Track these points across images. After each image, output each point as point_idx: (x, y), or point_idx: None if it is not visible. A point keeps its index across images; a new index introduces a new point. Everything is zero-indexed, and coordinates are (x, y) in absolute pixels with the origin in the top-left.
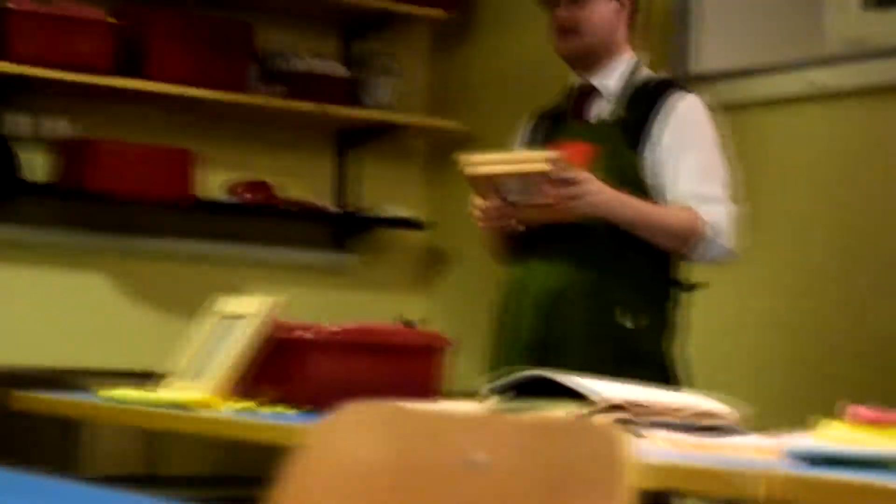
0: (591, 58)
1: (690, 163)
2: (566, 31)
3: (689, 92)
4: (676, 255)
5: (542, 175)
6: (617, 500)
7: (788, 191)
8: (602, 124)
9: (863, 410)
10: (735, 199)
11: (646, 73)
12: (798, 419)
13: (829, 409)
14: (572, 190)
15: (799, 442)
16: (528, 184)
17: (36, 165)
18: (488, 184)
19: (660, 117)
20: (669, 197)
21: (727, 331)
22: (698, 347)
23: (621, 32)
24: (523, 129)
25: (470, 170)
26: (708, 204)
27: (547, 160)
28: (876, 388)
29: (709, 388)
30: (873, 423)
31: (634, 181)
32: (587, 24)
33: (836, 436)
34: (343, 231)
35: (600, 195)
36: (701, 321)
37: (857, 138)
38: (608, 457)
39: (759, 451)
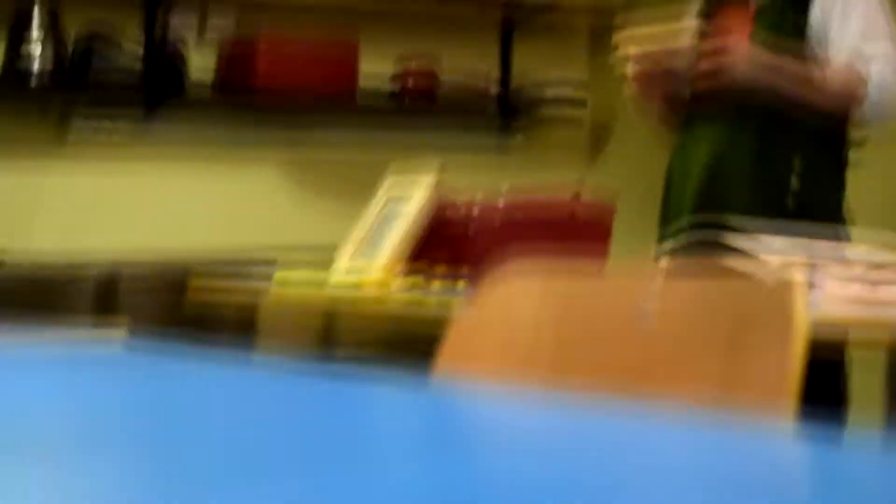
0: None
1: (855, 19)
2: None
3: None
4: (841, 115)
5: (691, 47)
6: (792, 353)
7: None
8: None
9: None
10: None
11: None
12: None
13: None
14: (723, 59)
15: None
16: (680, 55)
17: (203, 66)
18: (642, 56)
19: None
20: (833, 55)
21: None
22: (861, 203)
23: None
24: None
25: (624, 50)
26: (874, 62)
27: (692, 30)
28: None
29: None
30: None
31: (800, 43)
32: None
33: None
34: (507, 112)
35: (753, 62)
36: (862, 181)
37: None
38: (782, 309)
39: None
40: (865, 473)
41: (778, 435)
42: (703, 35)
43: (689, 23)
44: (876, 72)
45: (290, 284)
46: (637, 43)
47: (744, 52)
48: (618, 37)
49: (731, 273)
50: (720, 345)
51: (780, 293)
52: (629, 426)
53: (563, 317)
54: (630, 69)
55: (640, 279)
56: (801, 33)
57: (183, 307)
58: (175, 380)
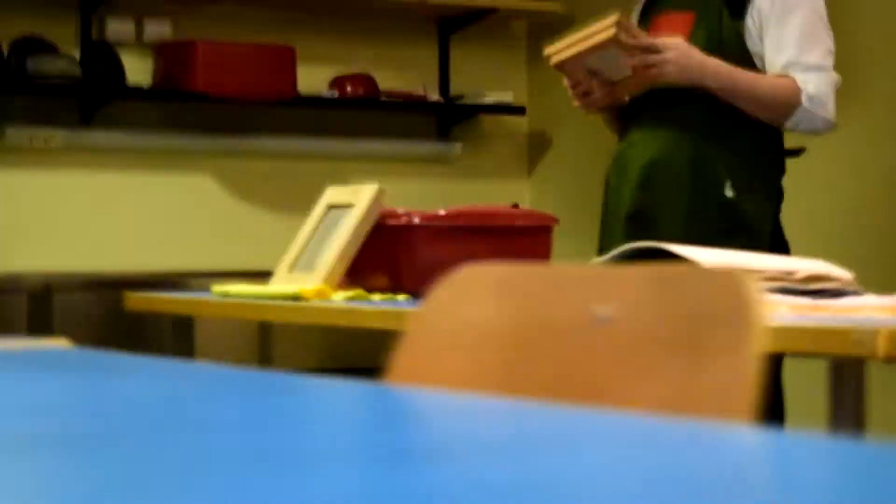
0: None
1: (792, 28)
2: None
3: None
4: (772, 124)
5: (617, 44)
6: (750, 346)
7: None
8: None
9: None
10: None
11: None
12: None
13: None
14: (651, 57)
15: None
16: (609, 56)
17: (139, 69)
18: (574, 66)
19: None
20: (769, 64)
21: (825, 197)
22: (797, 213)
23: None
24: (638, 6)
25: (554, 59)
26: (808, 72)
27: (613, 25)
28: None
29: (811, 254)
30: None
31: (738, 49)
32: None
33: None
34: (446, 120)
35: (684, 60)
36: (797, 187)
37: None
38: (738, 303)
39: (878, 310)
40: (817, 476)
41: (736, 438)
42: (617, 28)
43: (604, 21)
44: (812, 82)
45: (228, 296)
46: (565, 50)
47: (675, 49)
48: (548, 50)
49: (683, 268)
50: (673, 343)
51: (736, 285)
52: (582, 431)
53: (518, 322)
54: (565, 80)
55: (593, 278)
56: (740, 40)
57: (119, 320)
58: (112, 383)
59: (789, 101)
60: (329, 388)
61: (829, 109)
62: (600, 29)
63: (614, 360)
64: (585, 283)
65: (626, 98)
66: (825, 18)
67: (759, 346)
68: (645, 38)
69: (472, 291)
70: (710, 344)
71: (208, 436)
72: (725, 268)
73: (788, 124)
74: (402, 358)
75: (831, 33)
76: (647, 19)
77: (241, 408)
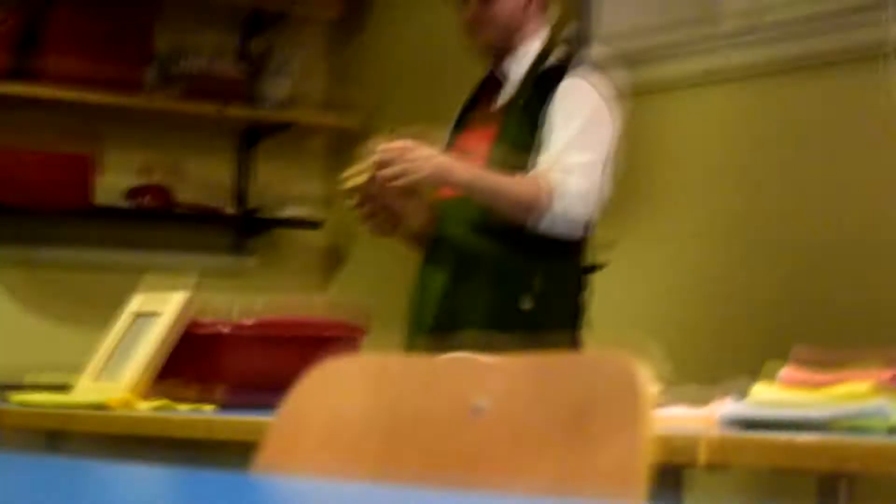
0: (502, 49)
1: (562, 134)
2: (476, 27)
3: (590, 71)
4: (523, 223)
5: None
6: (639, 429)
7: (690, 171)
8: (505, 110)
9: (795, 373)
10: (604, 176)
11: (555, 54)
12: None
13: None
14: (400, 168)
15: (732, 407)
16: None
17: None
18: (363, 191)
19: (552, 99)
20: (539, 163)
21: (630, 310)
22: (601, 328)
23: (531, 19)
24: (451, 125)
25: (347, 184)
26: (564, 173)
27: (378, 151)
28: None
29: None
30: (805, 384)
31: (533, 162)
32: (496, 19)
33: (769, 399)
34: (242, 233)
35: (431, 161)
36: (602, 302)
37: (758, 116)
38: (625, 386)
39: (693, 420)
40: None
41: None
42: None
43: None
44: (569, 183)
45: (29, 406)
46: (356, 177)
47: (424, 157)
48: (344, 175)
49: (565, 355)
50: (555, 433)
51: (623, 372)
52: None
53: (391, 414)
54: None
55: (471, 369)
56: (537, 152)
57: None
58: None
59: (536, 202)
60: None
61: (576, 211)
62: (363, 169)
63: (493, 451)
64: (461, 374)
65: (415, 224)
66: (602, 135)
67: (649, 428)
68: (397, 147)
69: (342, 383)
70: (598, 428)
71: None
72: (611, 352)
73: (542, 225)
74: (267, 453)
75: (604, 148)
76: (452, 136)
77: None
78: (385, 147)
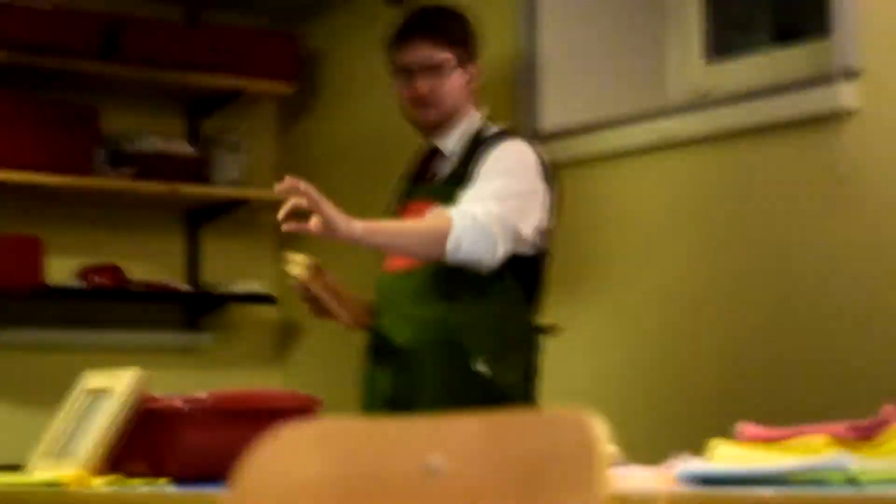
0: (445, 125)
1: (482, 178)
2: (425, 102)
3: (519, 139)
4: (436, 257)
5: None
6: (594, 488)
7: (640, 238)
8: (443, 183)
9: (752, 429)
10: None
11: (491, 130)
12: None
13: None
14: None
15: (691, 465)
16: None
17: None
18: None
19: (482, 160)
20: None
21: (582, 377)
22: (552, 393)
23: (469, 100)
24: (393, 192)
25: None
26: (473, 202)
27: (305, 265)
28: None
29: None
30: (763, 440)
31: None
32: (445, 95)
33: (727, 455)
34: (196, 310)
35: (336, 223)
36: (555, 368)
37: (704, 184)
38: (581, 445)
39: (650, 479)
40: None
41: None
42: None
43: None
44: (480, 209)
45: None
46: (297, 266)
47: (327, 211)
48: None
49: (521, 414)
50: (512, 492)
51: (579, 429)
52: None
53: (346, 476)
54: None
55: (425, 429)
56: None
57: None
58: None
59: (443, 230)
60: None
61: (489, 231)
62: (298, 262)
63: None
64: (415, 435)
65: (346, 320)
66: (524, 186)
67: (606, 486)
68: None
69: (295, 449)
70: (554, 486)
71: None
72: (567, 410)
73: (450, 246)
74: None
75: (526, 194)
76: (392, 210)
77: None
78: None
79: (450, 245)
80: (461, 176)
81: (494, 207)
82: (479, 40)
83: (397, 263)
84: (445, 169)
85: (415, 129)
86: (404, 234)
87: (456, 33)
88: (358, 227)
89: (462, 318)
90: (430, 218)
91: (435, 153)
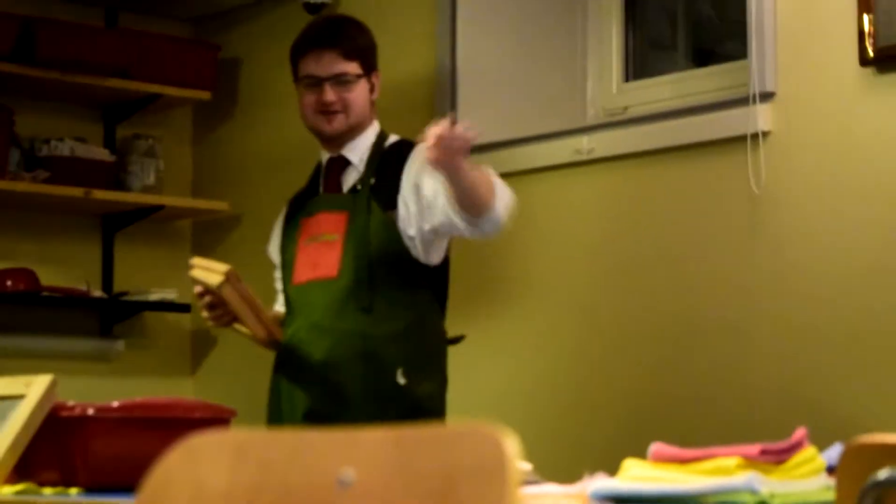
0: (349, 135)
1: (428, 184)
2: (332, 112)
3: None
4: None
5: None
6: (505, 502)
7: (556, 254)
8: (354, 192)
9: (665, 449)
10: None
11: (392, 139)
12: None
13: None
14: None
15: (603, 483)
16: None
17: None
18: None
19: (404, 169)
20: (433, 208)
21: (494, 392)
22: (466, 407)
23: (371, 110)
24: (280, 216)
25: (192, 272)
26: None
27: (223, 273)
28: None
29: None
30: (676, 461)
31: (392, 239)
32: (352, 105)
33: (640, 475)
34: (109, 317)
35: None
36: (468, 383)
37: (622, 200)
38: (493, 459)
39: (564, 498)
40: None
41: None
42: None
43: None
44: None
45: None
46: (214, 273)
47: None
48: (193, 261)
49: (433, 428)
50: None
51: (490, 444)
52: None
53: (255, 489)
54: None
55: (336, 442)
56: (390, 229)
57: None
58: None
59: (490, 192)
60: None
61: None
62: (213, 270)
63: None
64: (327, 448)
65: (259, 334)
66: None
67: (517, 501)
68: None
69: (205, 459)
70: (465, 501)
71: None
72: (478, 425)
73: (490, 218)
74: None
75: None
76: (294, 223)
77: None
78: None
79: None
80: (377, 185)
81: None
82: (377, 52)
83: (308, 275)
84: (352, 178)
85: (317, 139)
86: (479, 183)
87: (361, 45)
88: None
89: (381, 330)
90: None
91: (340, 164)
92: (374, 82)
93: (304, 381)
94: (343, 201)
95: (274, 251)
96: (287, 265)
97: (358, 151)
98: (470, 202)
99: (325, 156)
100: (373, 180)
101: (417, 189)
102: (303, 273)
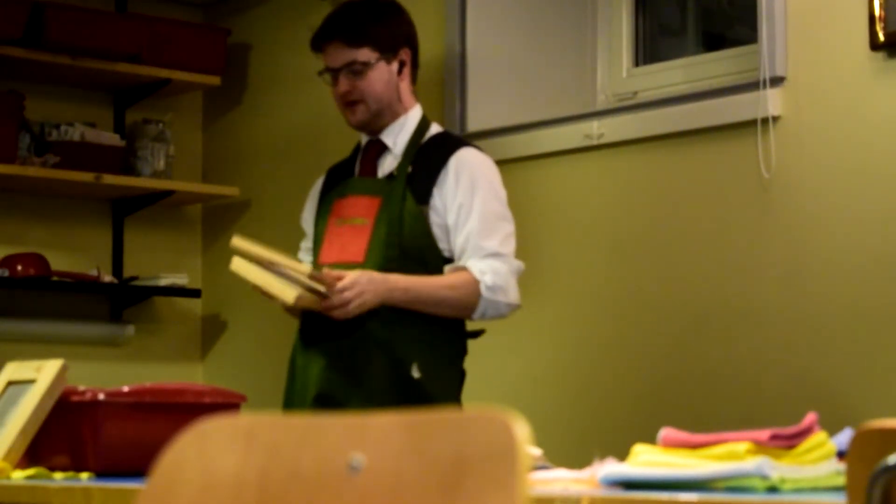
0: (379, 121)
1: (474, 213)
2: (351, 103)
3: (473, 146)
4: (461, 318)
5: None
6: (515, 487)
7: (566, 240)
8: (390, 179)
9: (675, 434)
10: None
11: (433, 129)
12: (579, 462)
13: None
14: (347, 296)
15: (613, 468)
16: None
17: None
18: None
19: (445, 168)
20: (454, 245)
21: (504, 380)
22: (475, 395)
23: (404, 90)
24: (316, 185)
25: (235, 268)
26: (488, 260)
27: (308, 276)
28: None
29: None
30: (686, 446)
31: (422, 233)
32: (368, 92)
33: (650, 460)
34: (119, 302)
35: (370, 293)
36: (478, 370)
37: (632, 185)
38: (503, 445)
39: (574, 482)
40: None
41: None
42: (312, 279)
43: (299, 266)
44: (489, 273)
45: None
46: (250, 256)
47: (362, 283)
48: (236, 241)
49: (443, 413)
50: (433, 491)
51: (500, 429)
52: None
53: (266, 473)
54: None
55: (347, 427)
56: (423, 223)
57: None
58: None
59: (470, 299)
60: None
61: (510, 295)
62: (295, 270)
63: None
64: (337, 432)
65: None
66: (504, 201)
67: (526, 487)
68: (334, 285)
69: (215, 444)
70: (475, 486)
71: None
72: (489, 410)
73: (475, 315)
74: None
75: (510, 215)
76: (328, 202)
77: None
78: (326, 284)
79: (476, 314)
80: (414, 176)
81: (502, 265)
82: (407, 26)
83: (334, 257)
84: (389, 164)
85: (351, 126)
86: (438, 300)
87: (371, 28)
88: (398, 292)
89: (400, 321)
90: (455, 285)
91: (378, 148)
92: (400, 62)
93: (317, 362)
94: (378, 186)
95: (308, 221)
96: (315, 243)
97: (396, 137)
98: (446, 314)
99: (364, 138)
100: (410, 168)
101: (451, 205)
102: (329, 254)
